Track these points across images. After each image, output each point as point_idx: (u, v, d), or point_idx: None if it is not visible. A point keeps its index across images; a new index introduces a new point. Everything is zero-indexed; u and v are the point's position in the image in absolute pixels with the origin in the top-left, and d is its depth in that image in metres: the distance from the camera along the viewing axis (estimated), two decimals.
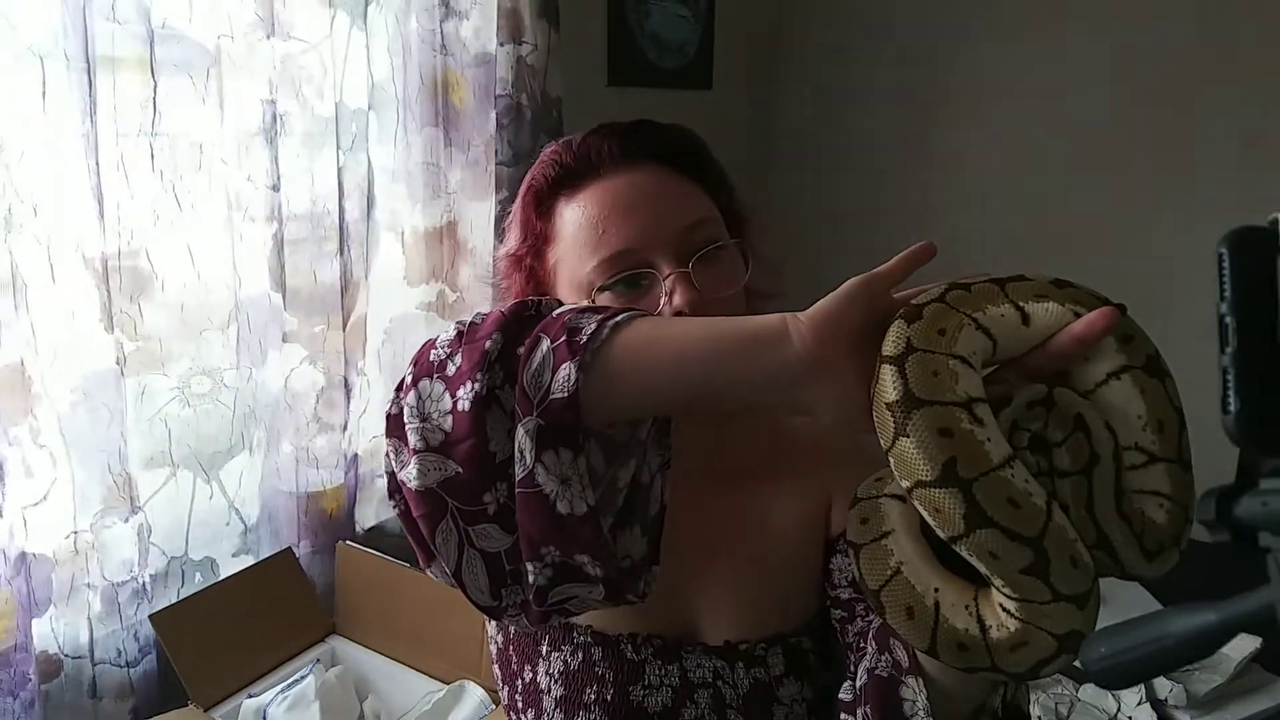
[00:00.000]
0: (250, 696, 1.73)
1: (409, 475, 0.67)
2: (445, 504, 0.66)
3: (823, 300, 0.63)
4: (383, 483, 1.47)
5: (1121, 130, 2.64)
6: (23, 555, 1.51)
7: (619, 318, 0.66)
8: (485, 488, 0.65)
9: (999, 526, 0.56)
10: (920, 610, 0.65)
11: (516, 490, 0.64)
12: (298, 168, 1.86)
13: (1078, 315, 0.60)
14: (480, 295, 2.18)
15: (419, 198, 2.09)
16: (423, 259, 2.13)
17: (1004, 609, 0.61)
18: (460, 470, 0.65)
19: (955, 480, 0.56)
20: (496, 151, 2.16)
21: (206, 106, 1.70)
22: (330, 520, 2.01)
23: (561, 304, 0.72)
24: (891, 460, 0.59)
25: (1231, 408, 0.44)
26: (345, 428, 2.00)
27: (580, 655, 0.90)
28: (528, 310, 0.70)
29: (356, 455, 2.03)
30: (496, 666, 0.99)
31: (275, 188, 1.82)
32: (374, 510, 2.10)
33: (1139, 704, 2.08)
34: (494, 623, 1.00)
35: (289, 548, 1.93)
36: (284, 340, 1.89)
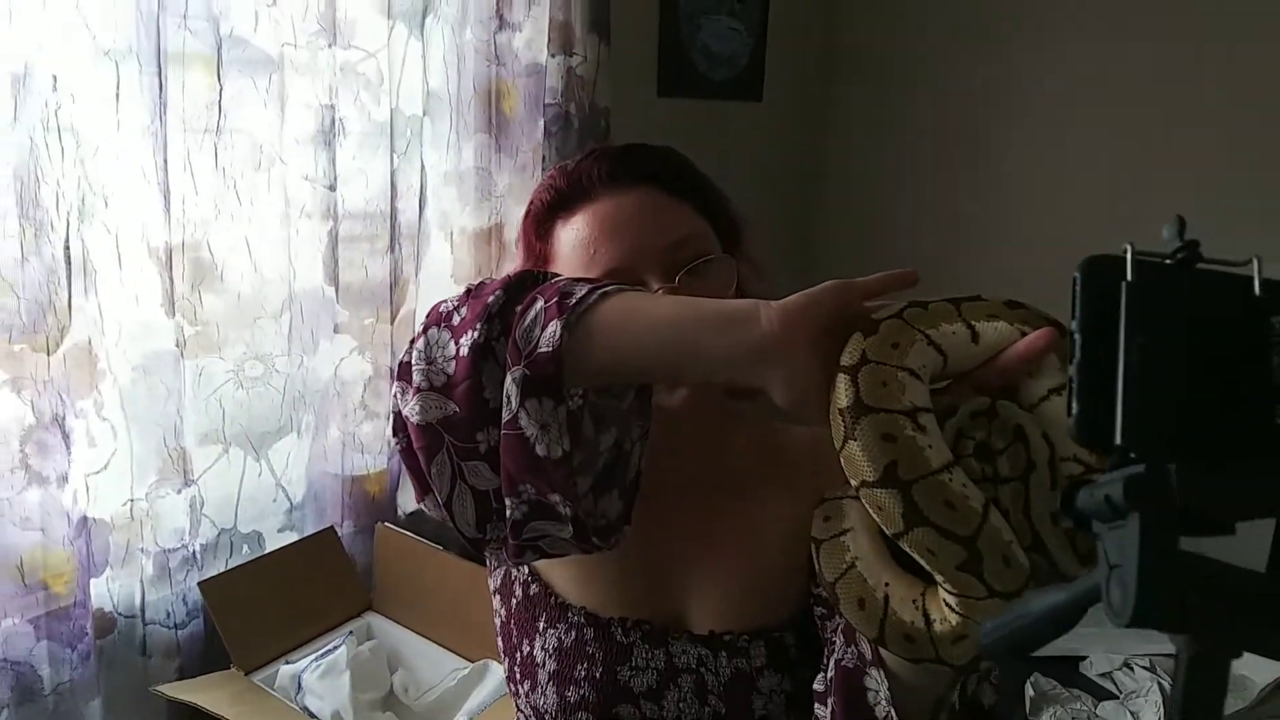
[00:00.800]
0: (288, 663, 1.84)
1: (412, 410, 0.73)
2: (442, 440, 0.73)
3: (797, 294, 0.67)
4: None
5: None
6: (84, 519, 1.64)
7: (608, 288, 0.72)
8: (478, 428, 0.72)
9: (934, 525, 0.60)
10: (871, 602, 0.70)
11: (502, 431, 0.70)
12: (353, 169, 1.97)
13: (1024, 334, 0.64)
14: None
15: (469, 200, 2.19)
16: (470, 258, 2.23)
17: (947, 604, 0.65)
18: (458, 409, 0.72)
19: (895, 482, 0.61)
20: (544, 158, 2.26)
21: (268, 110, 1.82)
22: (373, 502, 2.12)
23: (561, 275, 0.77)
24: (842, 461, 0.64)
25: (1073, 411, 0.49)
26: (389, 416, 2.09)
27: (574, 634, 0.95)
28: (531, 276, 0.77)
29: None
30: (499, 639, 1.04)
31: (332, 187, 1.94)
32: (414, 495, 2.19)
33: None
34: (498, 596, 1.06)
35: (332, 526, 2.04)
36: (335, 331, 2.01)
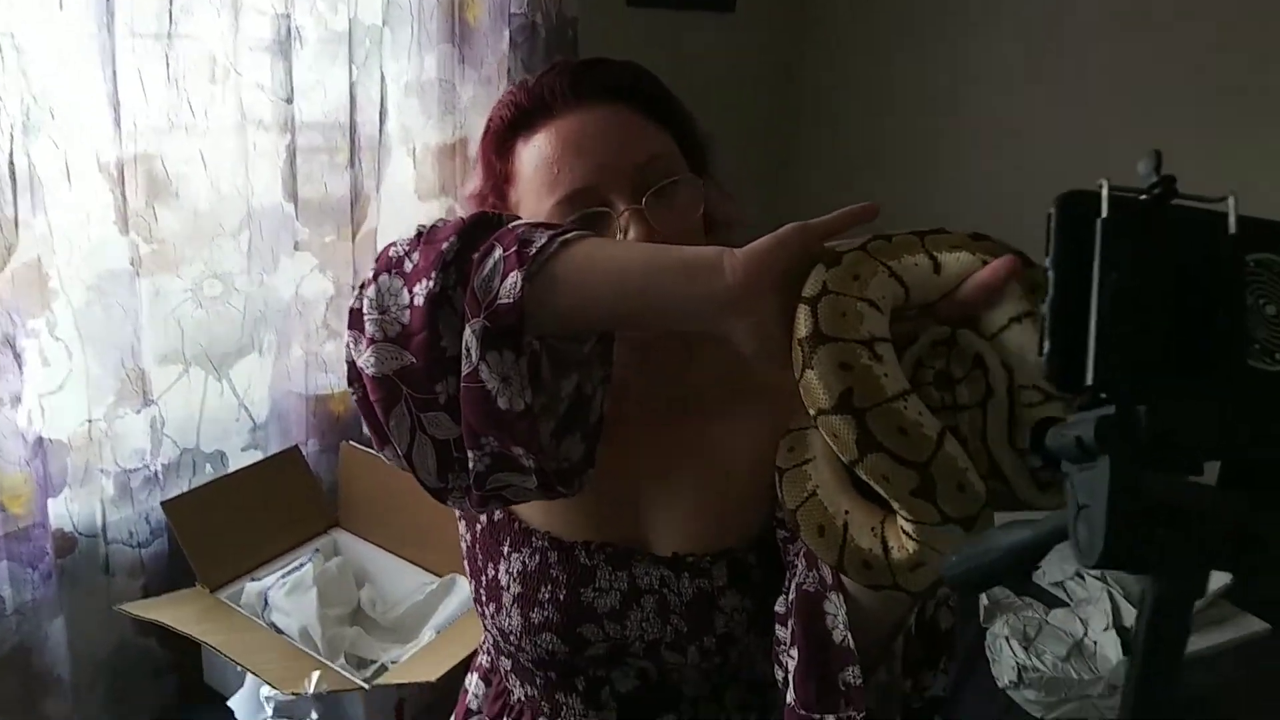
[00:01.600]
0: (253, 580, 1.84)
1: (367, 363, 0.72)
2: (399, 391, 0.71)
3: (758, 241, 0.66)
4: None
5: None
6: (40, 440, 1.61)
7: (568, 235, 0.70)
8: (436, 379, 0.70)
9: (888, 451, 0.61)
10: (830, 530, 0.71)
11: (462, 384, 0.69)
12: (310, 80, 1.92)
13: (987, 265, 0.64)
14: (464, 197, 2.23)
15: (431, 113, 2.14)
16: (434, 173, 2.18)
17: (904, 531, 0.65)
18: (414, 360, 0.70)
19: (850, 408, 0.61)
20: (509, 70, 2.20)
21: (221, 18, 1.75)
22: (338, 421, 2.11)
23: (519, 219, 0.75)
24: (801, 390, 0.64)
25: (1045, 350, 0.49)
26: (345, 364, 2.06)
27: (538, 558, 0.96)
28: (487, 219, 0.74)
29: None
30: (465, 562, 1.05)
31: (289, 99, 1.88)
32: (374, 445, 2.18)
33: (1105, 629, 2.13)
34: (463, 521, 1.06)
35: (296, 445, 2.03)
36: (295, 249, 1.97)
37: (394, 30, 2.04)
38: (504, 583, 0.97)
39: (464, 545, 1.05)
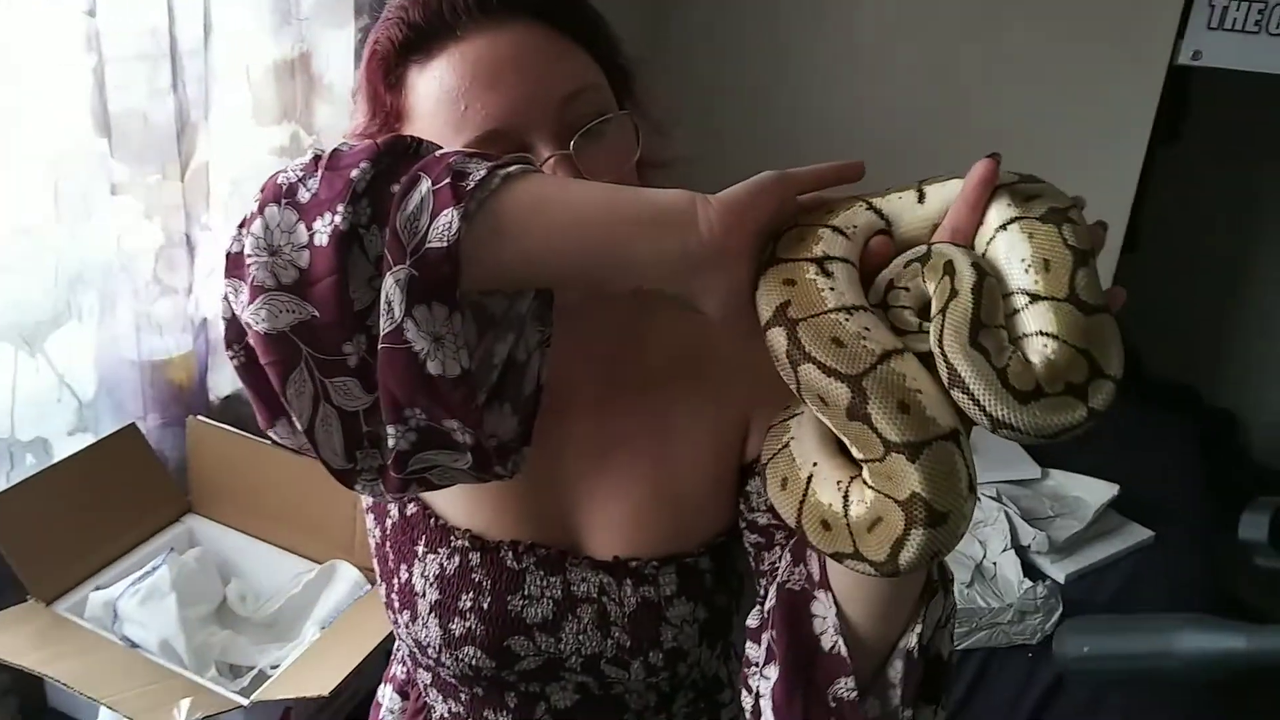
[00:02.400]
0: (98, 589, 1.60)
1: (256, 317, 0.60)
2: (299, 351, 0.60)
3: (734, 189, 0.61)
4: None
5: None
6: None
7: (512, 168, 0.60)
8: (346, 336, 0.60)
9: (815, 361, 0.56)
10: (793, 482, 0.64)
11: (381, 346, 0.59)
12: None
13: None
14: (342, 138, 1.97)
15: (265, 25, 1.83)
16: (274, 96, 1.89)
17: (866, 483, 0.59)
18: (317, 314, 0.59)
19: (784, 320, 0.57)
20: None
21: None
22: (180, 392, 1.84)
23: (442, 148, 0.64)
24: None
25: None
26: (190, 290, 1.80)
27: (457, 559, 0.86)
28: (404, 145, 0.63)
29: (205, 320, 1.85)
30: (375, 562, 0.93)
31: (91, 12, 1.55)
32: (229, 377, 1.93)
33: (1004, 550, 2.15)
34: (371, 514, 0.94)
35: (133, 423, 1.76)
36: (112, 193, 1.66)
37: None
38: (419, 588, 0.86)
39: (372, 543, 0.94)
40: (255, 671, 1.58)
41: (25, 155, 1.54)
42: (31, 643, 1.46)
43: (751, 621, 0.80)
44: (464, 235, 0.57)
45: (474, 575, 0.85)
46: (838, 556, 0.62)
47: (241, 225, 0.62)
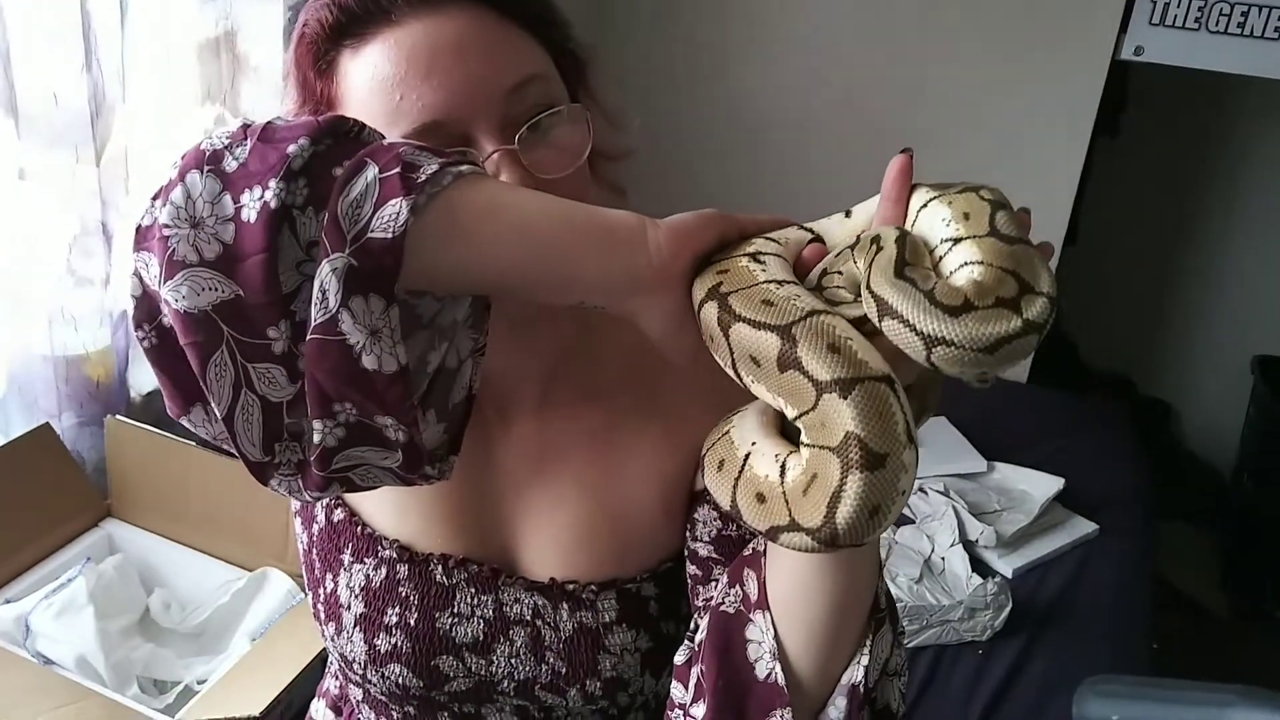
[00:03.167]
0: (8, 602, 1.50)
1: (176, 294, 0.56)
2: (221, 332, 0.57)
3: (682, 216, 0.61)
4: None
5: None
6: None
7: (464, 168, 0.58)
8: (273, 320, 0.57)
9: (745, 319, 0.56)
10: (730, 462, 0.63)
11: (311, 337, 0.56)
12: None
13: None
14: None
15: (188, 0, 1.72)
16: (196, 76, 1.78)
17: (803, 443, 0.57)
18: (242, 293, 0.56)
19: (715, 295, 0.58)
20: None
21: None
22: (97, 389, 1.74)
23: (386, 138, 0.61)
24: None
25: None
26: (108, 281, 1.70)
27: (384, 571, 0.82)
28: (346, 127, 0.60)
29: (125, 313, 1.74)
30: (303, 570, 0.89)
31: None
32: (152, 373, 1.83)
33: (952, 545, 2.14)
34: (298, 520, 0.89)
35: (47, 423, 1.66)
36: (20, 178, 1.56)
37: None
38: (344, 599, 0.82)
39: (300, 549, 0.89)
40: (181, 686, 1.49)
41: None
42: None
43: (679, 659, 0.76)
44: (411, 228, 0.54)
45: (401, 589, 0.81)
46: (774, 533, 0.58)
47: (155, 197, 0.58)
